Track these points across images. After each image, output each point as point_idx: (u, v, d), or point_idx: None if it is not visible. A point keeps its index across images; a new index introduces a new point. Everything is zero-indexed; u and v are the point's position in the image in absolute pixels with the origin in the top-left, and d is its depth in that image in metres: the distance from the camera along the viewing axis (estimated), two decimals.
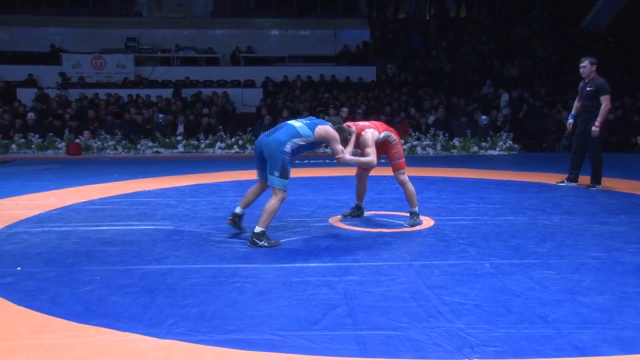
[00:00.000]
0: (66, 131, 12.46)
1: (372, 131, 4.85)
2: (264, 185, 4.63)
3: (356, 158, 4.79)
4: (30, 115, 13.25)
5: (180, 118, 13.27)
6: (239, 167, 9.28)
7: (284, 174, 4.31)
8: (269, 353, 2.56)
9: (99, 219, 5.44)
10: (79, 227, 5.09)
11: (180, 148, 12.23)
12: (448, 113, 13.68)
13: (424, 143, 12.00)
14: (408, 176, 5.12)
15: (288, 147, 4.32)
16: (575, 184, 7.25)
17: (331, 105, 13.95)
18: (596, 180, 7.07)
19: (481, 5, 22.83)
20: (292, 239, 4.65)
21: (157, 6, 21.86)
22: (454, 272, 3.71)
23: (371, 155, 4.78)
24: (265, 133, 4.50)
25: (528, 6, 22.33)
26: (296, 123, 4.48)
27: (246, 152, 11.68)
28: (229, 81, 17.52)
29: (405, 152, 11.65)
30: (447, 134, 12.23)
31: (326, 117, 4.84)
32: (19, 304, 3.17)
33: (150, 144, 12.32)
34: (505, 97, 14.39)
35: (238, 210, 4.71)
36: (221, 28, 20.20)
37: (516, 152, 11.91)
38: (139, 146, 12.23)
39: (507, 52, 18.47)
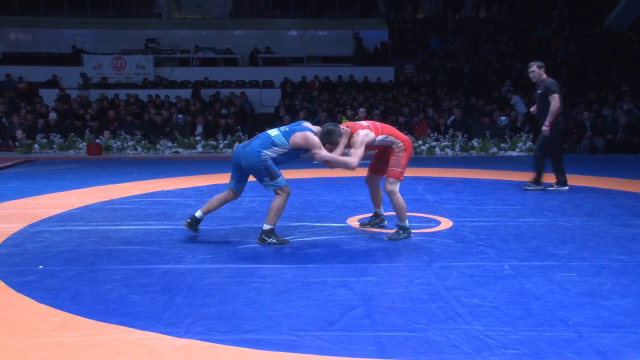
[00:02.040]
0: (87, 131, 12.62)
1: (365, 132, 4.49)
2: (232, 194, 4.59)
3: (332, 157, 4.37)
4: (52, 116, 13.45)
5: (199, 119, 13.36)
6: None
7: (274, 176, 4.33)
8: (286, 353, 2.57)
9: (119, 218, 5.50)
10: (99, 226, 5.15)
11: (199, 148, 12.31)
12: (466, 113, 13.57)
13: (443, 144, 11.92)
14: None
15: (265, 155, 4.30)
16: (538, 186, 7.02)
17: (348, 106, 13.93)
18: (560, 182, 6.95)
19: (501, 5, 22.62)
20: (310, 239, 4.66)
21: (176, 7, 22.05)
22: (473, 274, 3.68)
23: (352, 157, 4.40)
24: (243, 144, 4.51)
25: (549, 5, 22.06)
26: (273, 132, 4.43)
27: None
28: (247, 81, 17.60)
29: (424, 153, 11.71)
30: (465, 135, 12.14)
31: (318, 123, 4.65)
32: (41, 302, 3.22)
33: (170, 144, 12.41)
34: (514, 100, 14.22)
35: (198, 214, 4.62)
36: (240, 29, 20.29)
37: None
38: (158, 146, 12.33)
39: (528, 52, 18.25)
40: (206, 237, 4.75)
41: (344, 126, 4.60)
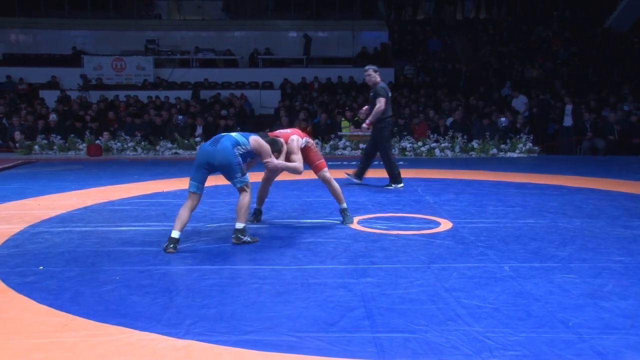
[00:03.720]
0: (87, 132, 12.62)
1: (296, 138, 5.04)
2: (196, 199, 4.50)
3: (284, 163, 4.91)
4: (52, 117, 13.46)
5: (199, 120, 13.36)
6: (256, 169, 9.30)
7: (243, 172, 4.54)
8: (286, 354, 2.57)
9: (119, 219, 5.50)
10: (99, 227, 5.15)
11: None
12: (466, 115, 13.58)
13: (443, 145, 11.93)
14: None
15: (236, 152, 4.51)
16: (357, 180, 7.45)
17: (347, 107, 13.93)
18: (394, 179, 7.25)
19: (501, 6, 22.64)
20: (310, 240, 4.66)
21: (176, 8, 22.06)
22: (473, 275, 3.68)
23: (298, 162, 4.95)
24: (209, 143, 4.58)
25: (549, 6, 22.08)
26: (233, 134, 4.67)
27: None
28: (247, 83, 17.60)
29: (424, 155, 11.72)
30: (465, 136, 12.14)
31: (254, 135, 4.99)
32: (41, 303, 3.22)
33: (169, 145, 12.42)
34: (522, 100, 14.17)
35: (176, 234, 4.35)
36: (240, 30, 20.30)
37: (536, 155, 11.78)
38: (158, 147, 12.34)
39: (528, 54, 18.27)
40: (206, 238, 4.75)
41: (273, 135, 5.07)
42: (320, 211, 5.84)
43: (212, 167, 4.53)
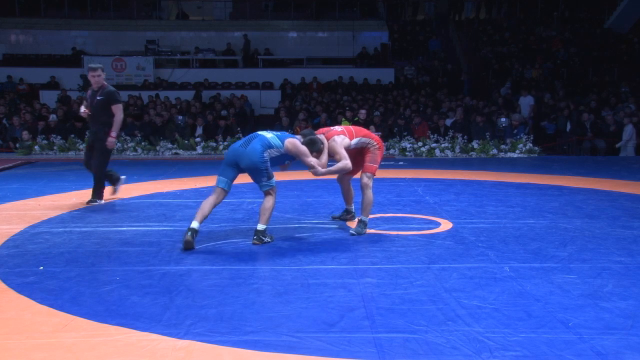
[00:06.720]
0: (87, 132, 12.60)
1: (341, 138, 4.84)
2: (222, 194, 4.57)
3: (330, 168, 4.75)
4: (53, 117, 13.46)
5: (199, 120, 13.36)
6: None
7: (271, 176, 4.53)
8: (286, 354, 2.57)
9: (119, 219, 5.50)
10: (99, 227, 5.15)
11: (199, 150, 12.31)
12: (467, 116, 13.58)
13: (443, 145, 11.93)
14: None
15: (266, 155, 4.48)
16: (115, 188, 6.68)
17: (347, 108, 13.93)
18: (98, 195, 6.40)
19: (500, 7, 22.65)
20: (310, 240, 4.66)
21: (176, 9, 22.05)
22: (473, 276, 3.68)
23: (343, 160, 4.74)
24: (240, 143, 4.56)
25: (549, 6, 22.08)
26: (267, 134, 4.58)
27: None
28: (247, 83, 17.61)
29: (424, 155, 11.72)
30: (465, 137, 12.14)
31: (298, 131, 4.92)
32: (41, 303, 3.22)
33: (170, 145, 12.43)
34: (529, 101, 14.10)
35: (196, 225, 4.41)
36: (240, 30, 20.31)
37: (536, 155, 11.78)
38: (158, 148, 12.34)
39: (528, 54, 18.28)
40: (206, 238, 4.75)
41: (319, 133, 4.90)
42: (320, 211, 5.84)
43: (239, 168, 4.55)
